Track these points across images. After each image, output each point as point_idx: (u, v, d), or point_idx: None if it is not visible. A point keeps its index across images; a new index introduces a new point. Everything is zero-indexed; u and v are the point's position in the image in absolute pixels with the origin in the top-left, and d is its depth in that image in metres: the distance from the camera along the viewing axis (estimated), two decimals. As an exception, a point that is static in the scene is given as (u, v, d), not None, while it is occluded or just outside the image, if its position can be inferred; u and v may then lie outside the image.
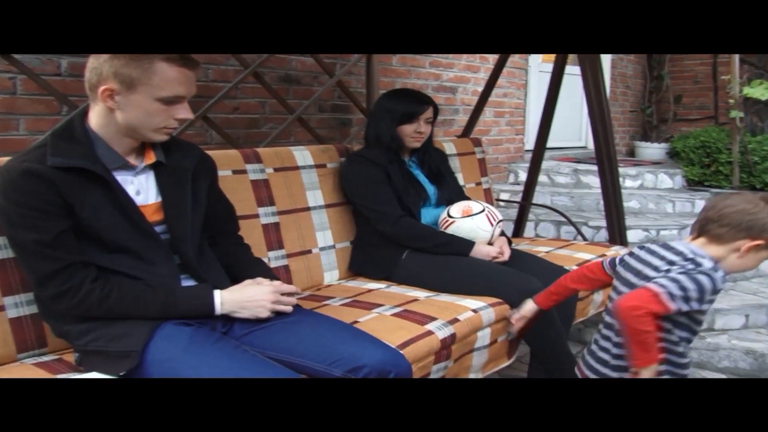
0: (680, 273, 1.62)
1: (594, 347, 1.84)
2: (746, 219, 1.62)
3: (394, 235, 2.49)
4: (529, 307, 2.12)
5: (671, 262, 1.68)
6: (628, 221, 4.02)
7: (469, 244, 2.48)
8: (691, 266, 1.63)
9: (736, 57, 4.91)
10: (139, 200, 1.67)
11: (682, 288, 1.58)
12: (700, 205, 4.70)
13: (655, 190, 5.02)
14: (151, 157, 1.71)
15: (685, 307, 1.59)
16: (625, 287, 1.76)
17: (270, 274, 1.90)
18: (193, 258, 1.73)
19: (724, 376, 3.05)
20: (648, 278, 1.67)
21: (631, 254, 1.81)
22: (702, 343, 3.16)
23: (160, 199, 1.72)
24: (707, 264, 1.63)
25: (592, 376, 1.81)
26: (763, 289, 3.67)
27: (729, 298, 3.45)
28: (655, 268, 1.69)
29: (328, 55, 3.61)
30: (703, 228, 1.69)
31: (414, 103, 2.57)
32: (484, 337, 2.15)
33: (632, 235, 4.02)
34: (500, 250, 2.51)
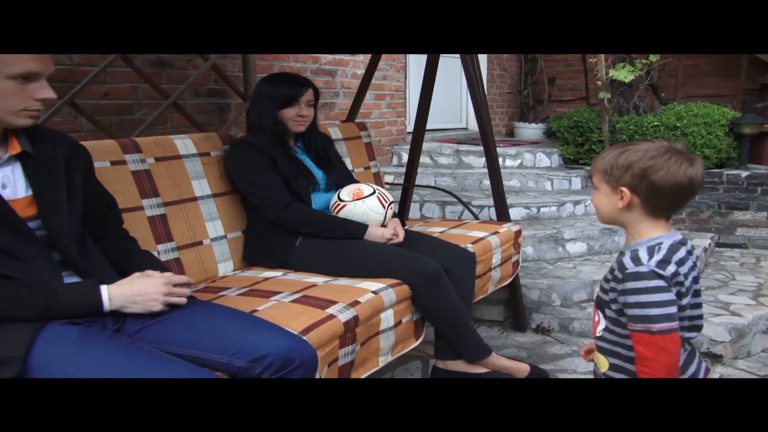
0: None
1: None
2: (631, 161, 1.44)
3: (284, 222, 2.42)
4: None
5: None
6: (510, 199, 4.15)
7: (363, 227, 2.46)
8: None
9: (600, 40, 5.15)
10: (6, 194, 1.53)
11: None
12: (576, 182, 4.93)
13: (534, 169, 5.20)
14: (16, 147, 1.57)
15: None
16: None
17: (160, 266, 1.81)
18: (75, 253, 1.61)
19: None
20: None
21: None
22: (583, 313, 3.33)
23: (30, 193, 1.59)
24: None
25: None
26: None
27: (606, 270, 3.54)
28: None
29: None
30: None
31: (293, 86, 2.52)
32: (388, 318, 2.14)
33: (514, 213, 4.15)
34: (395, 232, 2.50)
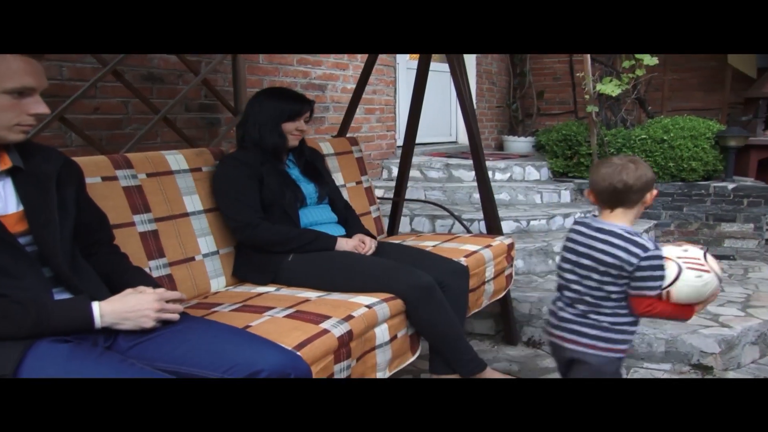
0: None
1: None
2: (644, 177, 1.86)
3: (255, 244, 2.44)
4: None
5: None
6: (500, 213, 4.14)
7: (333, 239, 2.49)
8: None
9: (588, 56, 5.20)
10: None
11: None
12: (566, 195, 4.95)
13: (524, 182, 5.23)
14: (6, 162, 1.56)
15: None
16: None
17: (152, 281, 1.80)
18: (66, 269, 1.60)
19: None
20: None
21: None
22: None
23: (21, 208, 1.58)
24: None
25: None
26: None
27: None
28: None
29: (193, 53, 3.46)
30: (616, 201, 1.87)
31: (298, 101, 2.56)
32: (383, 333, 2.13)
33: (504, 226, 4.15)
34: (359, 243, 2.52)
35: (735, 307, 3.53)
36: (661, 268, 1.81)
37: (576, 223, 1.97)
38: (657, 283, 1.81)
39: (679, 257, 1.87)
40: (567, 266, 1.94)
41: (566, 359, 1.96)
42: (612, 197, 1.86)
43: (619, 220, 1.88)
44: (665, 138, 5.09)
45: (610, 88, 5.15)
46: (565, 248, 1.96)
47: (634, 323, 1.90)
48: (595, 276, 1.85)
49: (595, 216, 1.95)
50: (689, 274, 1.84)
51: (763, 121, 6.17)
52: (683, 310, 1.87)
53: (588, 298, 1.88)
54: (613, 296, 1.85)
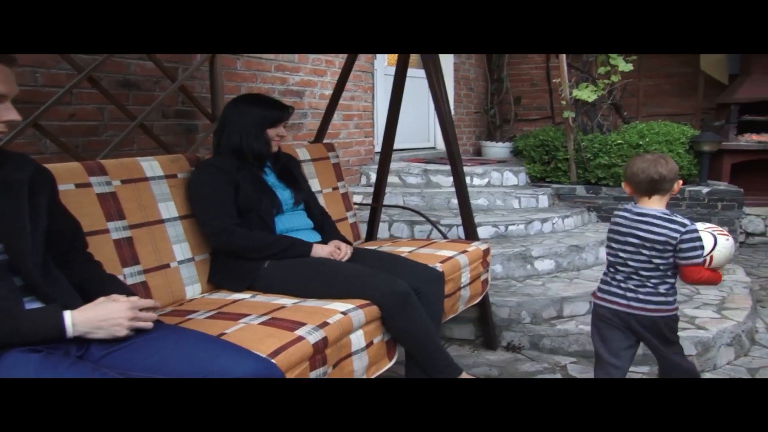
0: None
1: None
2: (674, 169, 2.28)
3: (231, 251, 2.43)
4: None
5: None
6: (478, 218, 4.18)
7: (308, 245, 2.50)
8: None
9: (564, 62, 5.26)
10: None
11: None
12: (543, 200, 4.98)
13: (502, 188, 5.25)
14: (-23, 170, 1.54)
15: None
16: None
17: (126, 289, 1.79)
18: (38, 278, 1.58)
19: (574, 359, 3.23)
20: None
21: None
22: (553, 330, 3.34)
23: None
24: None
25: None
26: (604, 275, 3.94)
27: (574, 287, 3.67)
28: None
29: (169, 59, 3.45)
30: (654, 189, 2.27)
31: (278, 107, 2.58)
32: (358, 339, 2.13)
33: (482, 231, 4.18)
34: (335, 249, 2.53)
35: (710, 309, 3.58)
36: (700, 239, 2.21)
37: (618, 210, 2.39)
38: (700, 252, 2.20)
39: (707, 228, 2.29)
40: (616, 246, 2.32)
41: (628, 324, 2.33)
42: (650, 186, 2.27)
43: (656, 205, 2.28)
44: (641, 143, 5.15)
45: (586, 93, 5.21)
46: (612, 231, 2.36)
47: (675, 287, 2.33)
48: (645, 252, 2.24)
49: (634, 204, 2.34)
50: (722, 240, 2.25)
51: (735, 126, 6.28)
52: (717, 275, 2.30)
53: (642, 272, 2.27)
54: (661, 267, 2.25)
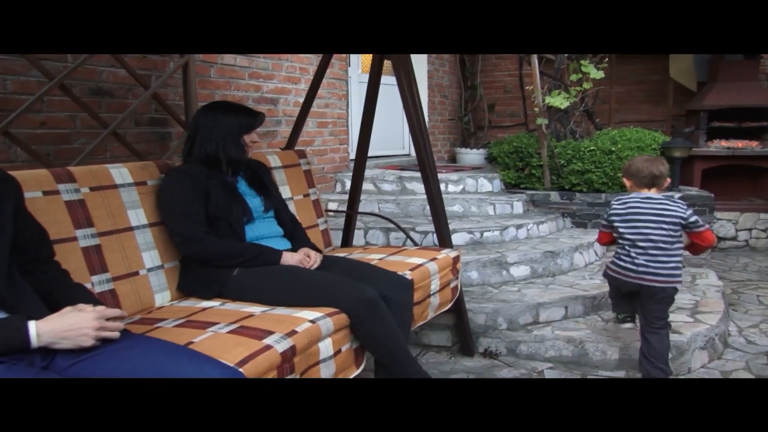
0: None
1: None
2: (667, 168, 2.96)
3: (201, 258, 2.43)
4: None
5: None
6: (453, 225, 4.21)
7: (277, 253, 2.50)
8: None
9: (537, 69, 5.31)
10: None
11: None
12: (518, 206, 5.02)
13: (477, 194, 5.29)
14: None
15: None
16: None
17: (92, 298, 1.78)
18: (2, 288, 1.57)
19: (551, 365, 3.27)
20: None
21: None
22: (530, 336, 3.37)
23: None
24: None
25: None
26: (578, 281, 3.99)
27: (550, 292, 3.71)
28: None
29: (142, 66, 3.44)
30: (654, 183, 2.91)
31: (250, 114, 2.59)
32: (326, 347, 2.14)
33: (457, 238, 4.21)
34: (304, 257, 2.54)
35: (684, 313, 3.63)
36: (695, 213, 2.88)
37: (622, 198, 2.96)
38: (702, 220, 2.85)
39: None
40: (638, 225, 2.86)
41: (633, 292, 2.95)
42: (650, 181, 2.90)
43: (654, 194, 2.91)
44: (613, 149, 5.21)
45: (559, 100, 5.26)
46: (628, 214, 2.90)
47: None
48: (665, 226, 2.80)
49: (638, 193, 2.93)
50: None
51: (705, 132, 6.39)
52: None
53: (661, 244, 2.81)
54: (678, 237, 2.83)
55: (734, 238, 6.27)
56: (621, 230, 2.90)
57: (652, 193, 2.89)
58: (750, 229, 6.26)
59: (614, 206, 2.96)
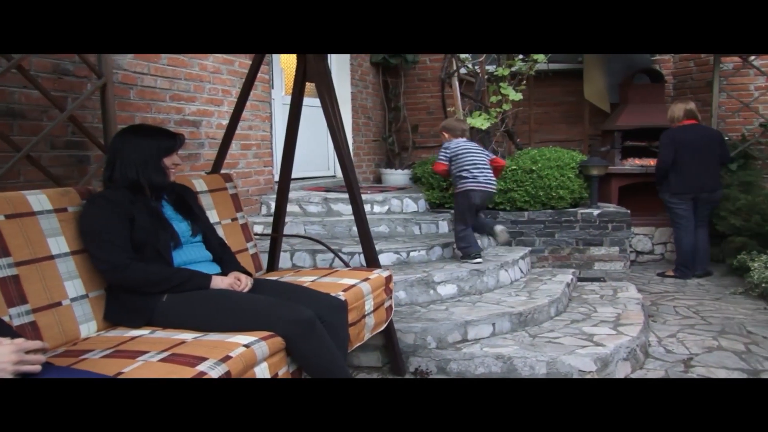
0: None
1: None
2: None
3: (126, 285, 2.35)
4: None
5: None
6: (379, 245, 4.21)
7: (207, 277, 2.45)
8: None
9: (458, 91, 5.42)
10: None
11: None
12: (443, 225, 5.08)
13: (402, 214, 5.32)
14: None
15: None
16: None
17: (10, 331, 1.68)
18: None
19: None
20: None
21: None
22: (459, 354, 3.39)
23: None
24: None
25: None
26: (505, 298, 4.05)
27: (477, 310, 3.74)
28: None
29: (58, 88, 3.31)
30: (464, 134, 4.53)
31: (169, 136, 2.53)
32: (263, 372, 2.10)
33: (384, 258, 4.21)
34: (234, 280, 2.49)
35: (607, 326, 3.73)
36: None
37: (454, 144, 4.49)
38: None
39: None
40: (471, 156, 4.44)
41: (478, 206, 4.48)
42: (462, 133, 4.58)
43: None
44: (534, 168, 5.35)
45: (480, 121, 5.37)
46: (461, 151, 4.46)
47: None
48: (483, 156, 4.53)
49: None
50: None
51: (620, 151, 6.66)
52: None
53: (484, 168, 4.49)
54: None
55: (651, 252, 6.54)
56: (461, 160, 4.35)
57: (465, 139, 4.50)
58: (665, 243, 6.54)
59: (450, 148, 4.43)
